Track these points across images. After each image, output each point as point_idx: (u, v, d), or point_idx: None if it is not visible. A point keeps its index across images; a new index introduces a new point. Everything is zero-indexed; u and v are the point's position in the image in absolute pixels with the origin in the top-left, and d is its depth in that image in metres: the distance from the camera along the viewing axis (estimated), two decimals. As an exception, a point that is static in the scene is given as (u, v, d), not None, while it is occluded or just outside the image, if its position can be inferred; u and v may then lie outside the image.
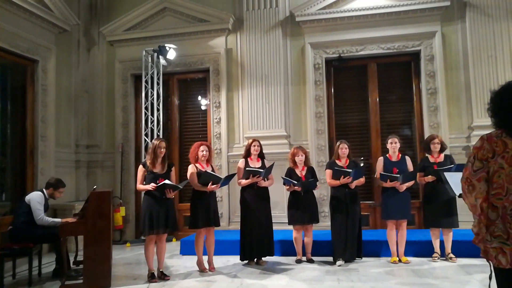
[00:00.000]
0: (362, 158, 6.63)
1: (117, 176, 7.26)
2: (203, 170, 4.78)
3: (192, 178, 4.77)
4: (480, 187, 1.88)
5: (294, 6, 6.85)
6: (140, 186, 4.56)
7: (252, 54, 7.00)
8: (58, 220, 4.76)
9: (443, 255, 4.98)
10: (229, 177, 4.96)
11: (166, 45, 6.89)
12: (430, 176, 4.95)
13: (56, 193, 4.91)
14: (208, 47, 7.25)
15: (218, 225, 4.92)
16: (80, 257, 4.86)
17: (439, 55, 6.40)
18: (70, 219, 4.84)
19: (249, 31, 7.06)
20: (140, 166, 4.62)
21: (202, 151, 4.85)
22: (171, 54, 6.94)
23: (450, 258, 4.87)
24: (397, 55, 6.74)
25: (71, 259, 5.11)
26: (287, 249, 5.39)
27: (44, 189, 4.86)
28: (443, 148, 5.12)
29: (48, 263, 5.23)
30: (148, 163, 4.57)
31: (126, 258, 5.82)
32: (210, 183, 4.69)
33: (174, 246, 6.28)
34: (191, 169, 4.83)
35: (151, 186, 4.44)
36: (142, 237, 5.93)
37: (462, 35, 6.40)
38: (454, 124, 6.32)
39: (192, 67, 7.35)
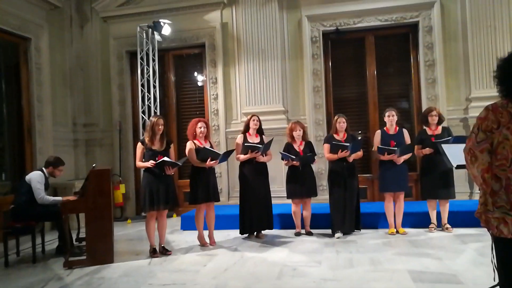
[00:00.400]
0: (360, 131, 6.64)
1: (116, 154, 7.27)
2: (202, 146, 4.79)
3: (191, 154, 4.78)
4: (483, 158, 1.85)
5: (290, -22, 6.70)
6: (139, 163, 4.58)
7: (248, 28, 6.89)
8: (59, 198, 4.80)
9: (439, 225, 5.07)
10: (228, 153, 4.98)
11: (160, 20, 6.76)
12: (427, 148, 4.97)
13: (56, 172, 4.92)
14: (203, 21, 7.12)
15: (218, 200, 4.97)
16: (82, 234, 4.93)
17: (438, 26, 6.32)
18: (71, 197, 4.88)
19: (244, 4, 6.92)
20: (139, 144, 4.63)
21: (200, 127, 4.85)
22: (166, 30, 6.82)
23: (447, 228, 4.96)
24: (395, 27, 6.65)
25: (74, 236, 5.18)
26: (286, 222, 5.48)
27: (43, 168, 4.88)
28: (441, 120, 5.13)
29: (51, 240, 5.31)
30: (146, 140, 4.57)
31: (127, 234, 5.90)
32: (208, 159, 4.71)
33: (174, 221, 6.36)
34: (189, 145, 4.84)
35: (150, 163, 4.46)
36: (143, 214, 6.01)
37: (461, 5, 6.29)
38: (452, 96, 6.30)
39: (187, 43, 7.25)
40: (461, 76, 6.28)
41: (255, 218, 5.01)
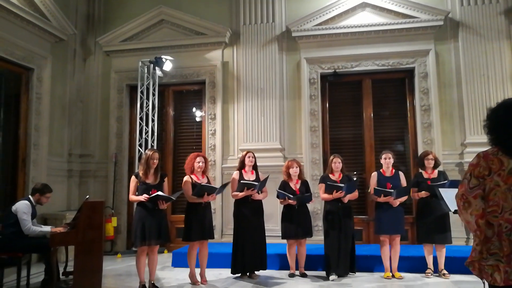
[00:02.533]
0: (355, 172, 6.65)
1: (110, 186, 7.19)
2: (198, 181, 4.76)
3: (186, 189, 4.74)
4: (476, 204, 1.88)
5: (291, 22, 6.94)
6: (132, 197, 4.52)
7: (248, 68, 7.06)
8: (47, 229, 4.68)
9: (436, 271, 4.97)
10: (223, 186, 4.95)
11: (162, 56, 6.93)
12: (423, 191, 4.97)
13: (43, 199, 4.83)
14: (204, 59, 7.29)
15: (212, 237, 4.88)
16: (70, 268, 4.77)
17: (433, 72, 6.50)
18: (60, 229, 4.77)
19: (245, 45, 7.13)
20: (133, 177, 4.60)
21: (199, 162, 4.84)
22: (167, 66, 6.97)
23: (443, 274, 4.86)
24: (392, 72, 6.83)
25: (61, 270, 5.01)
26: (280, 262, 5.36)
27: (30, 196, 4.79)
28: (436, 164, 5.16)
29: (37, 273, 5.13)
30: (140, 173, 4.54)
31: (116, 269, 5.73)
32: (205, 194, 4.66)
33: (165, 258, 6.20)
34: (186, 180, 4.81)
35: (143, 197, 4.41)
36: (134, 248, 5.85)
37: (455, 53, 6.52)
38: (447, 141, 6.38)
39: (188, 79, 7.38)
40: (456, 122, 6.39)
41: (248, 257, 4.90)
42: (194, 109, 7.56)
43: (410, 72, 6.76)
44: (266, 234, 5.13)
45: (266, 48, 7.04)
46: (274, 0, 7.14)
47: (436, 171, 5.13)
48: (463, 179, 1.97)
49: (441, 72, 6.54)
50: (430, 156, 5.14)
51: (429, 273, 4.94)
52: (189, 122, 7.57)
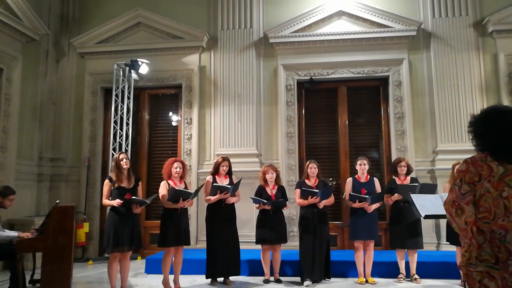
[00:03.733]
0: (331, 178, 6.71)
1: (82, 190, 7.00)
2: (176, 187, 4.69)
3: (163, 196, 4.66)
4: (469, 210, 1.86)
5: (268, 28, 6.98)
6: (105, 201, 4.43)
7: (226, 73, 7.05)
8: (14, 234, 4.51)
9: (408, 276, 5.05)
10: (197, 191, 4.89)
11: (138, 59, 6.83)
12: (396, 194, 5.06)
13: (6, 201, 4.65)
14: (181, 63, 7.23)
15: (188, 244, 4.80)
16: (37, 275, 4.60)
17: (406, 81, 6.66)
18: (27, 234, 4.59)
19: (223, 50, 7.12)
20: (106, 181, 4.50)
21: (176, 167, 4.77)
22: (143, 69, 6.87)
23: (415, 279, 4.94)
24: (367, 80, 6.96)
25: (27, 278, 4.82)
26: (255, 268, 5.33)
27: (-7, 200, 4.61)
28: (409, 171, 5.27)
29: (2, 281, 4.91)
30: (113, 177, 4.44)
31: (87, 276, 5.56)
32: (181, 200, 4.60)
33: (139, 264, 6.07)
34: (163, 185, 4.73)
35: (117, 202, 4.32)
36: (106, 255, 5.72)
37: (427, 63, 6.71)
38: (419, 148, 6.53)
39: (164, 83, 7.30)
40: (427, 129, 6.56)
41: (221, 262, 4.83)
42: (170, 113, 7.48)
43: (384, 80, 6.91)
44: (241, 240, 5.09)
45: (244, 53, 7.05)
46: (252, 6, 7.18)
47: (408, 178, 5.24)
48: (453, 185, 1.94)
49: (414, 81, 6.71)
50: (403, 163, 5.24)
51: (401, 278, 5.02)
52: (164, 126, 7.47)
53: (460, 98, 6.44)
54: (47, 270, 4.03)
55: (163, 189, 4.70)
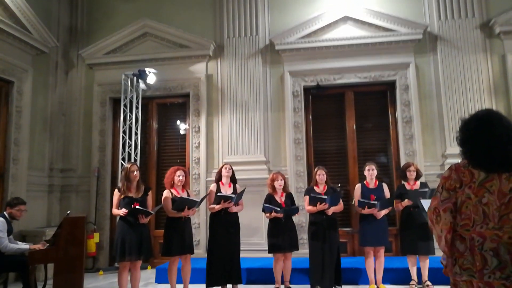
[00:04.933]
0: (339, 184, 6.67)
1: (92, 201, 7.06)
2: (178, 196, 4.70)
3: (166, 204, 4.69)
4: (445, 218, 1.84)
5: (274, 35, 7.01)
6: (114, 211, 4.47)
7: (233, 81, 7.08)
8: (26, 247, 4.56)
9: (420, 282, 4.99)
10: (201, 200, 4.91)
11: (146, 69, 6.90)
12: (406, 200, 5.02)
13: (16, 212, 4.69)
14: (188, 72, 7.29)
15: (192, 252, 4.80)
16: (49, 286, 4.64)
17: (413, 85, 6.62)
18: (39, 246, 4.65)
19: (229, 57, 7.16)
20: (116, 190, 4.55)
21: (179, 176, 4.80)
22: (151, 79, 6.94)
23: (427, 285, 4.88)
24: (373, 84, 6.94)
25: (39, 289, 4.87)
26: (265, 277, 5.30)
27: (4, 212, 4.66)
28: (418, 175, 5.23)
29: (14, 293, 4.98)
30: (122, 187, 4.48)
31: (98, 286, 5.59)
32: (185, 208, 4.61)
33: (149, 274, 6.09)
34: (165, 194, 4.76)
35: (122, 211, 4.36)
36: (116, 265, 5.75)
37: (434, 66, 6.66)
38: (429, 152, 6.47)
39: (172, 92, 7.35)
40: (436, 133, 6.50)
41: (223, 271, 4.77)
42: (178, 122, 7.53)
43: (391, 85, 6.87)
44: (250, 248, 5.08)
45: (250, 61, 7.08)
46: (258, 14, 7.22)
47: (418, 183, 5.19)
48: (435, 192, 1.95)
49: (421, 85, 6.67)
50: (412, 168, 5.20)
51: (413, 284, 4.96)
52: (173, 135, 7.52)
53: (468, 100, 6.38)
54: (59, 281, 4.07)
55: (166, 199, 4.71)
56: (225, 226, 4.90)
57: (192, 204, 4.66)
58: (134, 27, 7.44)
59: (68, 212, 5.14)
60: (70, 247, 4.17)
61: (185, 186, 4.92)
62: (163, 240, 4.73)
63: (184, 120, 7.44)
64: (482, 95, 6.40)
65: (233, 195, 4.86)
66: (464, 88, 6.46)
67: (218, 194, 4.91)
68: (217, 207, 4.87)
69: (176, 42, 7.37)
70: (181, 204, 4.60)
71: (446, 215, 1.84)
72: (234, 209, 4.95)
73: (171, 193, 4.76)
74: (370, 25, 6.84)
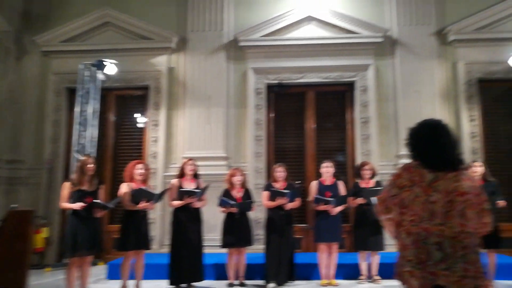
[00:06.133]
0: (299, 182, 6.75)
1: (42, 194, 6.76)
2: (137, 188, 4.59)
3: (125, 197, 4.56)
4: (395, 212, 2.01)
5: (238, 31, 6.99)
6: (65, 204, 4.28)
7: (195, 75, 7.00)
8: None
9: (370, 277, 5.14)
10: (162, 194, 4.81)
11: (105, 59, 6.67)
12: (360, 198, 5.15)
13: None
14: (149, 64, 7.13)
15: (149, 248, 4.71)
16: (-10, 283, 4.39)
17: (372, 86, 6.81)
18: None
19: (192, 51, 7.08)
20: (66, 183, 4.36)
21: (139, 169, 4.68)
22: (111, 69, 6.72)
23: (376, 280, 5.04)
24: (334, 85, 7.07)
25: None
26: (219, 272, 5.29)
27: None
28: (373, 174, 5.38)
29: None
30: (75, 180, 4.32)
31: (44, 284, 5.35)
32: (144, 201, 4.50)
33: (100, 270, 5.89)
34: (124, 187, 4.63)
35: (78, 205, 4.19)
36: (65, 260, 5.54)
37: (393, 69, 6.89)
38: (384, 152, 6.67)
39: (131, 84, 7.17)
40: (391, 134, 6.71)
41: (186, 267, 4.76)
42: (137, 115, 7.35)
43: (351, 86, 7.03)
44: (209, 244, 5.04)
45: (214, 55, 7.03)
46: (223, 9, 7.17)
47: (373, 181, 5.34)
48: (386, 185, 2.11)
49: (380, 87, 6.87)
50: (367, 167, 5.35)
51: (363, 279, 5.11)
52: (131, 128, 7.34)
53: (422, 104, 6.63)
54: (2, 278, 3.86)
55: (124, 190, 4.59)
56: (189, 221, 4.85)
57: (151, 197, 4.57)
58: (95, 16, 7.20)
59: (14, 205, 4.87)
60: (15, 243, 3.96)
61: (145, 180, 4.79)
62: (119, 234, 4.60)
63: (143, 113, 7.28)
64: (435, 99, 6.69)
65: (198, 190, 4.81)
66: (419, 92, 6.71)
67: (182, 189, 4.84)
68: (180, 202, 4.81)
69: (138, 33, 7.20)
70: (140, 196, 4.50)
71: (395, 209, 2.00)
72: (197, 204, 4.90)
73: (130, 186, 4.63)
74: (333, 26, 6.97)
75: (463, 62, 6.77)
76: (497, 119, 7.02)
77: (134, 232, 4.52)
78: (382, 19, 7.05)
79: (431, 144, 2.00)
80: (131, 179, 4.69)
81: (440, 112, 6.55)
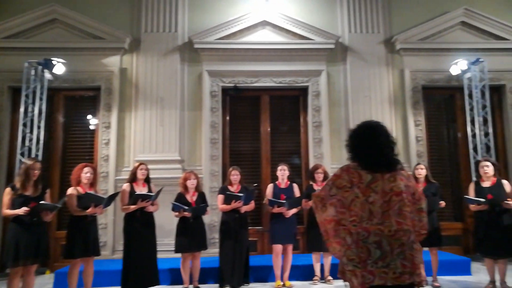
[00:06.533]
0: (255, 184, 6.81)
1: (-18, 200, 6.32)
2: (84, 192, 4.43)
3: (71, 202, 4.38)
4: (331, 211, 2.05)
5: (193, 33, 6.94)
6: (7, 211, 4.05)
7: (148, 76, 6.87)
8: None
9: (323, 277, 5.28)
10: (112, 197, 4.66)
11: (53, 58, 6.38)
12: (311, 201, 5.27)
13: None
14: (101, 64, 6.90)
15: (98, 254, 4.56)
16: None
17: (324, 92, 7.01)
18: None
19: (146, 52, 6.94)
20: (7, 189, 4.13)
21: (86, 173, 4.51)
22: (59, 69, 6.44)
23: (328, 280, 5.19)
24: (288, 89, 7.20)
25: None
26: (174, 277, 5.23)
27: None
28: (325, 177, 5.53)
29: None
30: (18, 185, 4.09)
31: (-17, 296, 5.02)
32: (92, 206, 4.35)
33: (47, 279, 5.62)
34: (70, 191, 4.45)
35: (23, 210, 3.97)
36: (7, 271, 5.23)
37: (344, 75, 7.13)
38: (335, 155, 6.88)
39: (82, 84, 6.90)
40: (343, 138, 6.93)
41: (140, 273, 4.64)
42: (87, 117, 7.08)
43: (304, 90, 7.20)
44: (163, 249, 4.97)
45: (168, 57, 6.93)
46: (178, 10, 7.10)
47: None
48: (325, 184, 2.14)
49: (332, 92, 7.09)
50: (320, 170, 5.50)
51: (316, 279, 5.24)
52: (81, 130, 7.05)
53: (371, 109, 6.93)
54: None
55: (71, 196, 4.42)
56: (142, 226, 4.74)
57: (99, 201, 4.41)
58: (41, 11, 6.87)
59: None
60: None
61: (93, 184, 4.63)
62: (66, 241, 4.41)
63: (94, 114, 7.03)
64: (384, 105, 7.00)
65: (152, 194, 4.72)
66: (368, 98, 7.00)
67: (136, 193, 4.73)
68: (134, 207, 4.69)
69: (89, 32, 6.95)
70: (87, 200, 4.34)
71: (331, 209, 2.04)
72: (150, 208, 4.81)
73: (77, 190, 4.46)
74: (287, 31, 7.09)
75: (409, 69, 7.15)
76: (440, 124, 7.49)
77: (82, 239, 4.35)
78: (334, 27, 7.28)
79: (369, 145, 2.06)
80: (78, 183, 4.52)
81: (388, 117, 6.88)
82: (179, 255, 5.08)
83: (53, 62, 6.36)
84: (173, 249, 5.05)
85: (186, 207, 4.94)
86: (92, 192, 4.49)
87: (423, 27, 7.22)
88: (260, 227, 6.75)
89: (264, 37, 7.05)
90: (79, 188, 4.48)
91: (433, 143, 7.31)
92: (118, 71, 6.87)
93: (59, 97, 7.00)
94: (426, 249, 5.16)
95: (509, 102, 7.24)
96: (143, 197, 4.71)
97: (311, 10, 7.26)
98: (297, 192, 5.41)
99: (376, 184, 2.00)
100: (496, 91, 7.35)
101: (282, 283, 5.11)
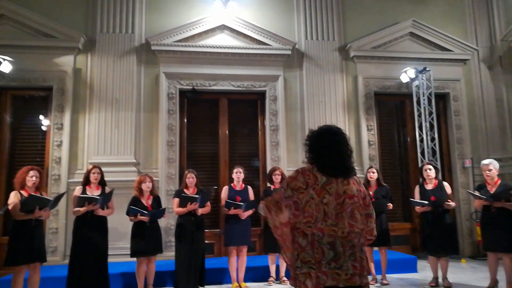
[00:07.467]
0: (215, 187, 6.83)
1: None
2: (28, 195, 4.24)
3: (14, 206, 4.17)
4: (286, 213, 2.06)
5: (150, 35, 6.87)
6: None
7: (103, 77, 6.71)
8: None
9: (278, 278, 5.37)
10: (57, 198, 4.49)
11: (-1, 56, 6.10)
12: (262, 206, 5.36)
13: None
14: (53, 64, 6.66)
15: (44, 260, 4.36)
16: None
17: (281, 96, 7.16)
18: None
19: (101, 53, 6.78)
20: None
21: (32, 176, 4.32)
22: (6, 67, 6.16)
23: (283, 281, 5.29)
24: (246, 93, 7.28)
25: None
26: (128, 281, 5.12)
27: None
28: (283, 179, 5.64)
29: None
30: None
31: None
32: (37, 209, 4.18)
33: (-10, 288, 5.32)
34: (13, 195, 4.25)
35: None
36: None
37: (300, 81, 7.31)
38: (291, 158, 7.03)
39: (32, 84, 6.62)
40: (298, 141, 7.09)
41: (88, 278, 4.50)
42: (38, 118, 6.80)
43: (262, 95, 7.31)
44: (118, 253, 4.85)
45: (124, 58, 6.81)
46: (134, 11, 7.00)
47: (282, 186, 5.59)
48: (280, 187, 2.15)
49: (288, 97, 7.24)
50: (277, 172, 5.60)
51: (271, 280, 5.32)
52: (31, 131, 6.76)
53: (326, 114, 7.15)
54: None
55: (14, 199, 4.22)
56: (90, 230, 4.61)
57: (45, 204, 4.23)
58: (-14, 7, 6.53)
59: None
60: None
61: (39, 188, 4.44)
62: (8, 247, 4.18)
63: (45, 115, 6.76)
64: (338, 110, 7.24)
65: (98, 197, 4.59)
66: (323, 103, 7.21)
67: (80, 196, 4.61)
68: (82, 209, 4.56)
69: (40, 30, 6.70)
70: (31, 203, 4.15)
71: (287, 211, 2.05)
72: (100, 212, 4.68)
73: (21, 194, 4.26)
74: (245, 36, 7.18)
75: (362, 76, 7.45)
76: (391, 129, 7.85)
77: (26, 244, 4.15)
78: (291, 33, 7.45)
79: (330, 150, 2.09)
80: (22, 187, 4.33)
81: (342, 122, 7.13)
82: (133, 259, 4.99)
83: (-1, 59, 6.08)
84: (127, 253, 4.94)
85: (145, 212, 4.86)
86: (36, 194, 4.31)
87: (375, 36, 7.56)
88: (217, 229, 6.75)
89: (223, 41, 7.10)
90: (23, 192, 4.28)
91: (385, 147, 7.65)
92: (71, 71, 6.66)
93: (6, 96, 6.69)
94: (376, 248, 5.41)
95: (453, 109, 7.71)
96: (89, 200, 4.59)
97: (269, 16, 7.40)
98: (251, 195, 5.49)
99: (331, 186, 2.03)
100: (442, 99, 7.82)
101: (237, 285, 5.14)
